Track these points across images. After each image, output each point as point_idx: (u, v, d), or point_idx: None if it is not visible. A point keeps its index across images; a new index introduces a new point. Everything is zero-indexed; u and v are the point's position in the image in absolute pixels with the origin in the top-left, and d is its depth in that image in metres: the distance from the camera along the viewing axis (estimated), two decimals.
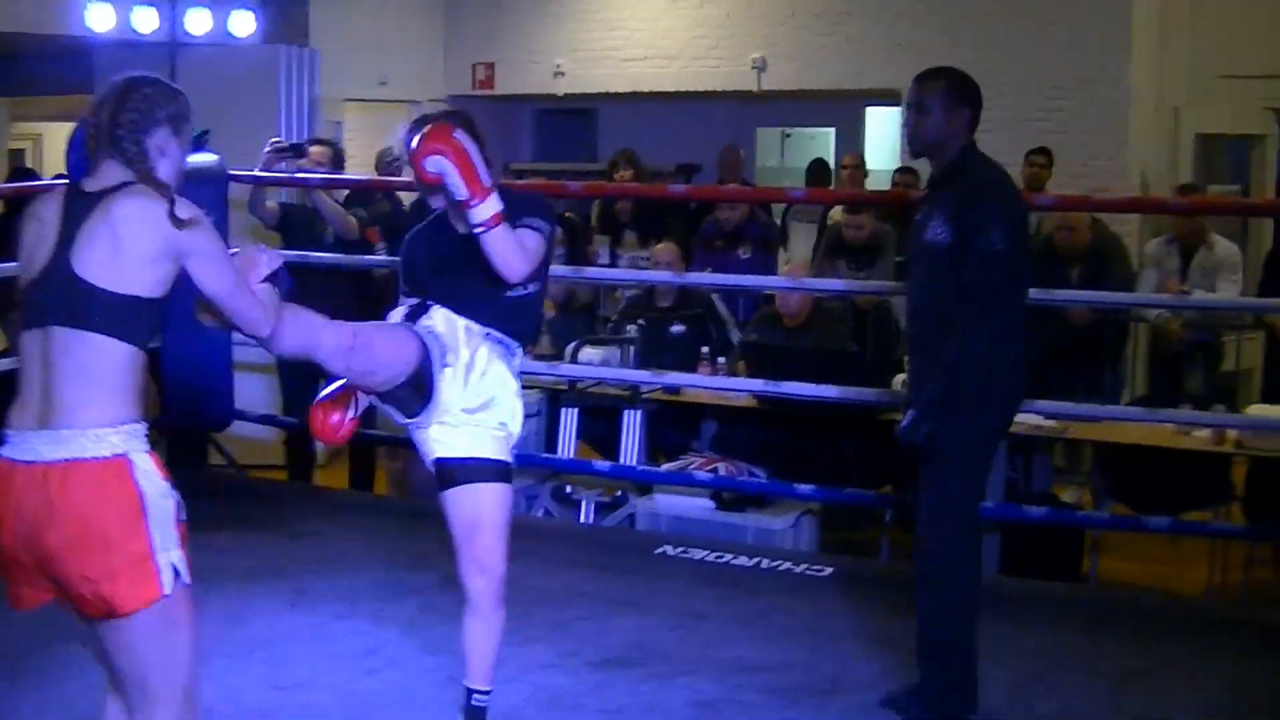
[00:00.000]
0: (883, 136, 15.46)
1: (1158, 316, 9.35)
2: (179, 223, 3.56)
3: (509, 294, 4.65)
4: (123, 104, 3.69)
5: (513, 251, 4.51)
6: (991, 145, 11.64)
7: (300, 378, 8.92)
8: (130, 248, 3.53)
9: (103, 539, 3.47)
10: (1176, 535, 7.96)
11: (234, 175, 8.25)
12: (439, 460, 4.74)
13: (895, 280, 9.45)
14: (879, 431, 8.28)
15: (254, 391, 9.30)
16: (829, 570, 7.09)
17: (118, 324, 3.54)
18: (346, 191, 9.36)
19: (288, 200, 9.37)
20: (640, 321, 9.11)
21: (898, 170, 12.19)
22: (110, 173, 3.65)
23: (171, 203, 3.59)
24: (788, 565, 7.19)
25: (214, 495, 8.36)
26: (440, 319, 4.68)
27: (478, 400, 4.67)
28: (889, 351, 9.61)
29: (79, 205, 3.61)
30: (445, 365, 4.60)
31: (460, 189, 4.41)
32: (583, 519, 8.26)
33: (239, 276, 3.77)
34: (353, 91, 13.58)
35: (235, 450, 9.35)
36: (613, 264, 10.71)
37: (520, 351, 4.83)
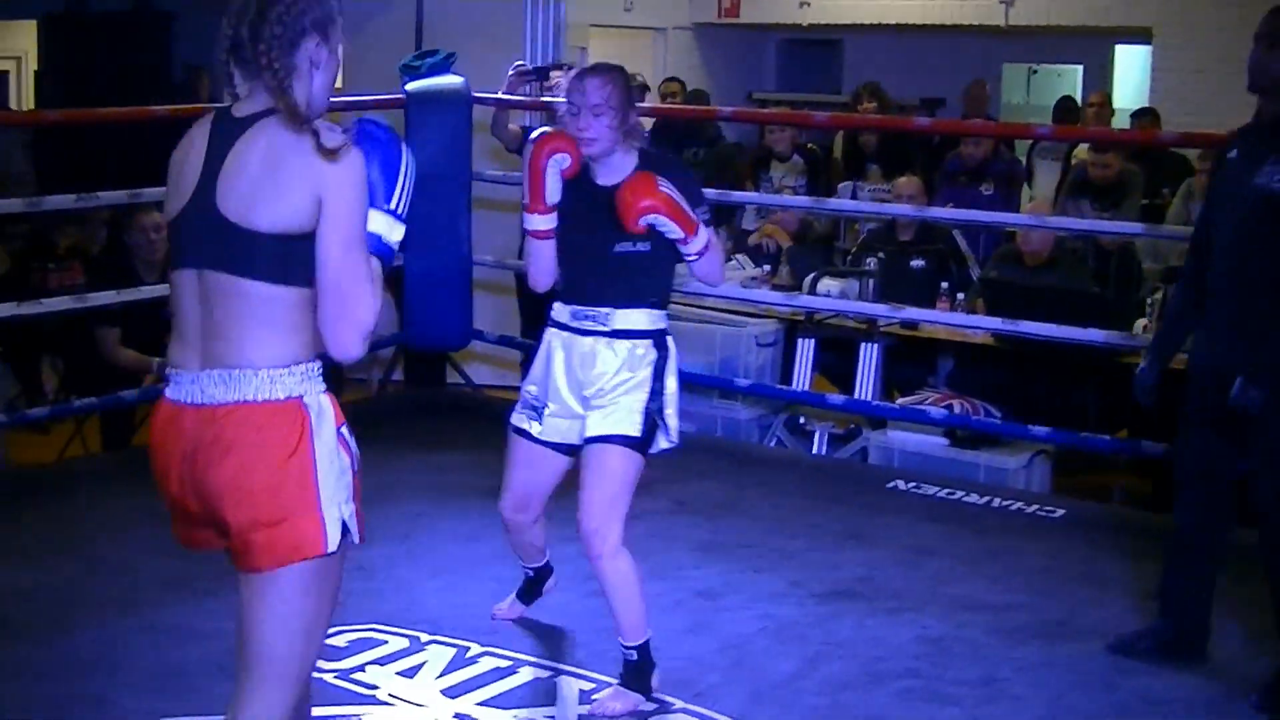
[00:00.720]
0: (1131, 75, 15.21)
1: None
2: (326, 153, 3.19)
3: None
4: (263, 16, 3.26)
5: (714, 266, 4.91)
6: (1236, 85, 11.46)
7: (539, 299, 9.01)
8: (278, 183, 3.19)
9: (267, 483, 3.22)
10: None
11: (478, 98, 8.31)
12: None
13: (1141, 221, 9.32)
14: (1118, 375, 8.17)
15: (493, 312, 9.39)
16: (1061, 512, 7.02)
17: (274, 267, 3.21)
18: None
19: (531, 124, 9.43)
20: (880, 255, 9.05)
21: (1136, 113, 11.97)
22: (256, 97, 3.28)
23: (316, 133, 3.22)
24: (1019, 505, 7.12)
25: (450, 414, 8.50)
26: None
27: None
28: (1132, 294, 9.45)
29: (224, 134, 3.29)
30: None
31: (676, 232, 4.68)
32: (815, 450, 8.26)
33: (370, 266, 3.30)
34: (598, 17, 13.62)
35: (473, 370, 9.45)
36: (854, 197, 10.64)
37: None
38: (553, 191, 4.78)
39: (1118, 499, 8.14)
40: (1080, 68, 16.11)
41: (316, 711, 4.65)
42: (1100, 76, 15.47)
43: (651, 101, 12.13)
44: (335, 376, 9.10)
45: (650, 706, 4.77)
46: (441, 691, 4.86)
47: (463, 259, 8.18)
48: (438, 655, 5.09)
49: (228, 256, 3.20)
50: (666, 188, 4.61)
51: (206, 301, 3.25)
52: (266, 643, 3.35)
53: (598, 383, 4.82)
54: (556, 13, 10.66)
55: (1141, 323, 7.87)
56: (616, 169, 4.81)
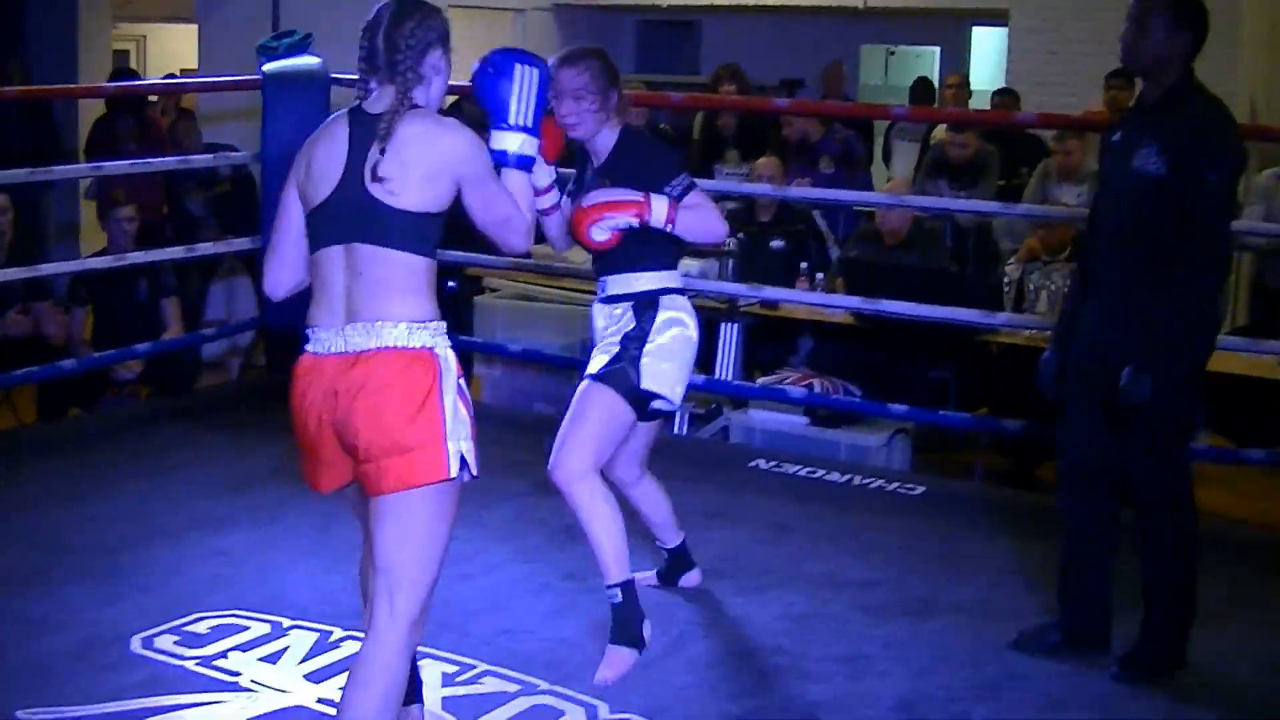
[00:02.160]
0: (988, 57, 15.35)
1: (1270, 243, 9.18)
2: (450, 139, 3.82)
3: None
4: (398, 27, 3.88)
5: (702, 224, 4.96)
6: (1090, 67, 11.67)
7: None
8: (415, 167, 3.75)
9: (401, 415, 3.69)
10: (1274, 468, 7.88)
11: (336, 78, 8.24)
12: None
13: (998, 201, 9.41)
14: (977, 353, 8.26)
15: None
16: (921, 490, 7.07)
17: (414, 239, 3.77)
18: (452, 98, 9.33)
19: None
20: (740, 235, 9.07)
21: (997, 92, 12.08)
22: (387, 96, 3.85)
23: (440, 123, 3.86)
24: (880, 483, 7.17)
25: None
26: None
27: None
28: (989, 273, 9.55)
29: (364, 128, 3.83)
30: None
31: (631, 220, 4.85)
32: (676, 430, 8.26)
33: (510, 199, 4.00)
34: None
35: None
36: (712, 178, 10.65)
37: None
38: (540, 177, 4.88)
39: (978, 476, 8.21)
40: (937, 49, 16.23)
41: (175, 699, 4.64)
42: (957, 58, 15.60)
43: None
44: (194, 362, 9.08)
45: (514, 689, 4.76)
46: (304, 677, 4.82)
47: None
48: (300, 640, 5.05)
49: (376, 231, 3.75)
50: (594, 199, 4.87)
51: (352, 269, 3.77)
52: (395, 556, 3.78)
53: (598, 342, 5.14)
54: None
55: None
56: (601, 148, 5.08)
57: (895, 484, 7.17)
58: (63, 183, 11.54)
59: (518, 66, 4.26)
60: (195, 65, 12.54)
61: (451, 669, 4.88)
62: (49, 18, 14.34)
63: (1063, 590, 5.33)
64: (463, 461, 3.78)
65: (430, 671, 4.84)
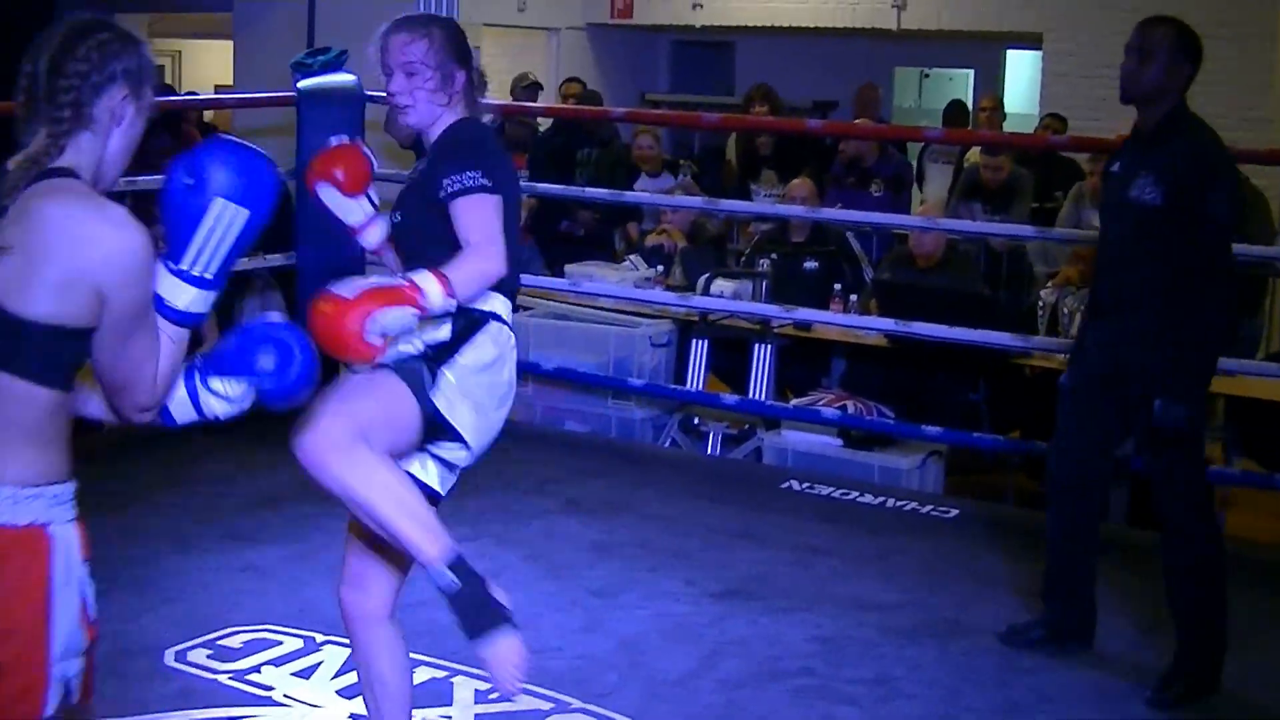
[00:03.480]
0: (1022, 80, 15.34)
1: None
2: (107, 237, 2.63)
3: None
4: (70, 51, 2.75)
5: (474, 275, 3.66)
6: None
7: None
8: (44, 263, 2.59)
9: None
10: None
11: (371, 96, 8.27)
12: None
13: (1031, 224, 9.41)
14: (1010, 375, 8.24)
15: None
16: (954, 512, 7.06)
17: (33, 361, 2.65)
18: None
19: None
20: (773, 256, 9.08)
21: (1046, 115, 12.06)
22: (38, 141, 2.74)
23: (97, 206, 2.68)
24: (913, 505, 7.16)
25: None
26: None
27: None
28: (1022, 296, 9.54)
29: None
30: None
31: (411, 318, 3.48)
32: (709, 451, 8.28)
33: (151, 358, 2.80)
34: (492, 17, 13.59)
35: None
36: (748, 199, 10.67)
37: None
38: (345, 213, 4.10)
39: (1010, 499, 8.19)
40: (971, 72, 16.23)
41: (208, 713, 4.65)
42: (991, 80, 15.59)
43: (549, 102, 12.15)
44: None
45: (547, 706, 4.76)
46: (337, 692, 4.84)
47: (355, 257, 8.12)
48: (333, 656, 5.06)
49: None
50: (343, 292, 3.46)
51: None
52: None
53: None
54: (449, 11, 10.63)
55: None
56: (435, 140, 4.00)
57: (928, 506, 7.16)
58: None
59: (216, 201, 2.81)
60: (230, 81, 12.57)
61: (484, 686, 4.87)
62: None
63: (1049, 592, 5.47)
64: (65, 690, 2.73)
65: (463, 689, 4.86)
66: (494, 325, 3.78)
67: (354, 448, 3.55)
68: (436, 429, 3.68)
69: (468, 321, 3.71)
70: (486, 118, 4.08)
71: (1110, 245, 5.19)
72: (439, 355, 3.69)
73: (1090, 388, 5.17)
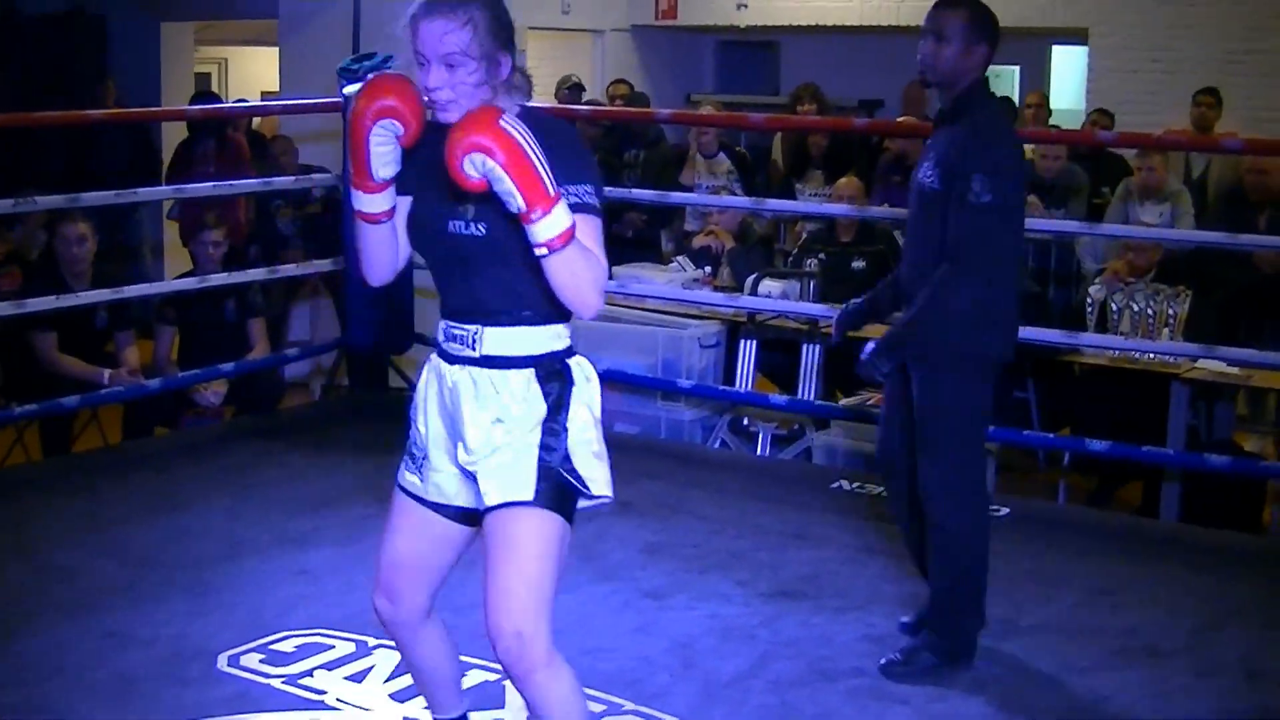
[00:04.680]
0: (1069, 76, 15.27)
1: None
2: None
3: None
4: None
5: (583, 275, 3.31)
6: (1170, 85, 11.63)
7: None
8: None
9: None
10: None
11: None
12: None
13: (1086, 220, 9.41)
14: (1058, 373, 8.22)
15: (434, 314, 9.35)
16: (1005, 511, 7.03)
17: None
18: None
19: None
20: (820, 256, 9.07)
21: (1094, 111, 12.02)
22: None
23: None
24: None
25: (393, 417, 8.42)
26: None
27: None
28: (1071, 292, 9.52)
29: None
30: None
31: (515, 197, 3.17)
32: (759, 451, 8.27)
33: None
34: (536, 19, 13.58)
35: (416, 374, 9.42)
36: (794, 198, 10.66)
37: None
38: (383, 163, 3.48)
39: (1062, 497, 8.16)
40: (1017, 68, 16.15)
41: (262, 718, 4.67)
42: (1037, 76, 15.52)
43: (593, 103, 12.14)
44: (277, 382, 9.14)
45: (600, 708, 4.76)
46: (390, 696, 4.84)
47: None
48: (385, 659, 5.06)
49: None
50: (515, 130, 3.16)
51: None
52: None
53: (471, 430, 3.58)
54: None
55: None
56: None
57: None
58: (150, 203, 11.67)
59: None
60: (277, 88, 12.62)
61: None
62: (132, 42, 14.51)
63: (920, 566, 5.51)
64: None
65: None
66: (575, 366, 3.62)
67: (553, 663, 3.49)
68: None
69: (559, 385, 3.55)
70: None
71: (907, 228, 5.31)
72: (555, 444, 3.51)
73: (894, 371, 5.24)
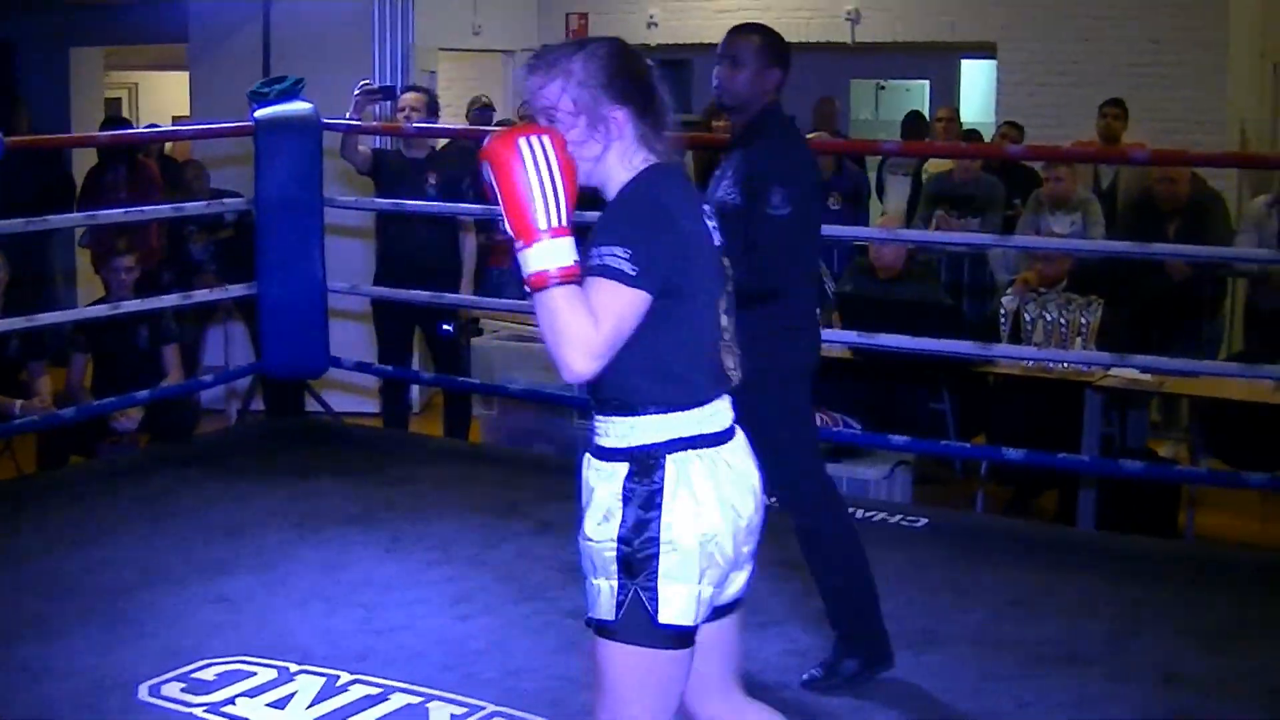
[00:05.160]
0: (978, 90, 15.38)
1: (1263, 269, 9.19)
2: None
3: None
4: None
5: (557, 325, 3.07)
6: (1079, 98, 11.72)
7: (397, 323, 8.98)
8: None
9: None
10: (1274, 491, 7.89)
11: (328, 124, 8.27)
12: None
13: (1000, 231, 9.50)
14: (973, 384, 8.27)
15: (350, 339, 9.34)
16: (923, 521, 7.07)
17: None
18: (445, 141, 9.39)
19: (382, 146, 9.41)
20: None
21: (1004, 124, 12.10)
22: None
23: None
24: (882, 516, 7.17)
25: (310, 442, 8.42)
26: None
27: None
28: (985, 303, 9.58)
29: None
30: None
31: (506, 221, 3.08)
32: None
33: None
34: (447, 41, 13.55)
35: (331, 398, 9.40)
36: None
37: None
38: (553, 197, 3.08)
39: (979, 507, 8.21)
40: (927, 83, 16.27)
41: None
42: (947, 91, 15.63)
43: (504, 123, 12.12)
44: (193, 408, 9.09)
45: (461, 710, 4.76)
46: None
47: (317, 285, 8.14)
48: (308, 685, 5.04)
49: None
50: (532, 151, 3.05)
51: None
52: None
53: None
54: (405, 37, 10.66)
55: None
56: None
57: (897, 516, 7.16)
58: (61, 231, 11.58)
59: None
60: (188, 112, 12.56)
61: (460, 710, 4.87)
62: (42, 67, 14.40)
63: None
64: None
65: (438, 713, 4.85)
66: (670, 464, 3.17)
67: None
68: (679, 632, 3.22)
69: (641, 484, 3.18)
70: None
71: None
72: (627, 558, 3.18)
73: None
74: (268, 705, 4.92)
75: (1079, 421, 7.57)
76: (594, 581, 3.27)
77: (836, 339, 7.98)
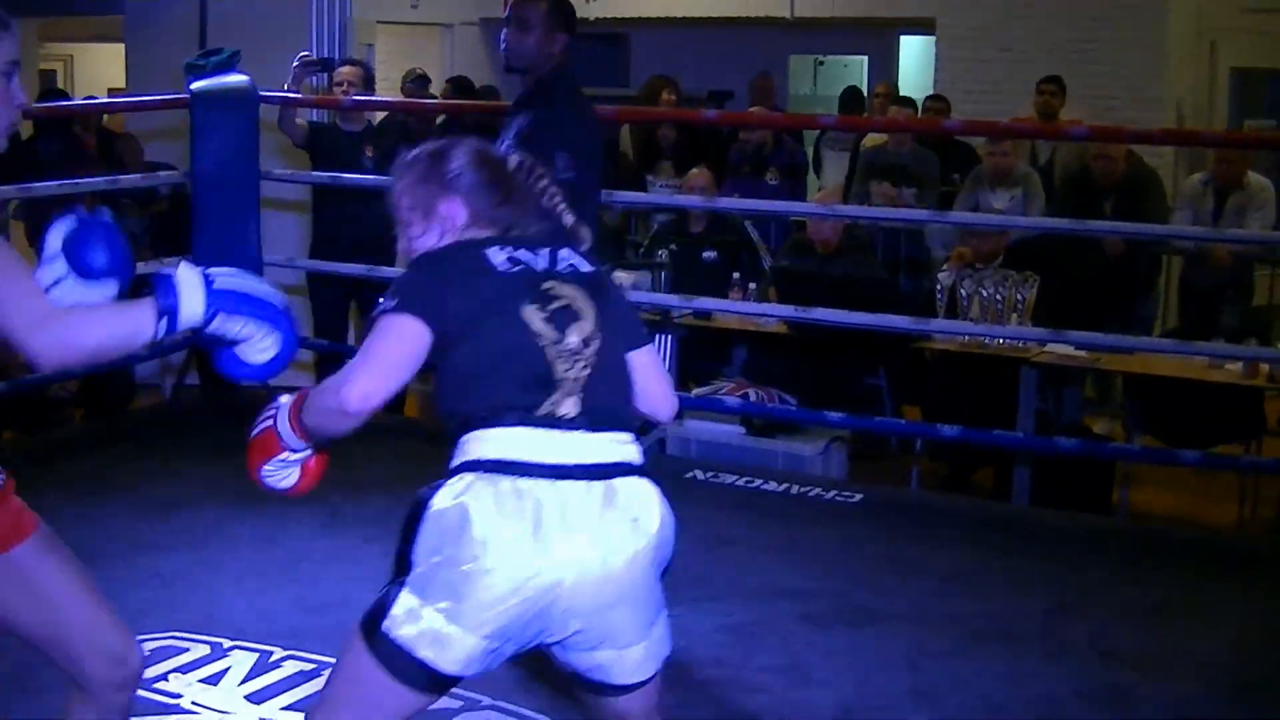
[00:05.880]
0: (916, 65, 15.41)
1: (1198, 246, 9.24)
2: None
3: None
4: None
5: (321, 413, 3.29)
6: (1017, 74, 11.78)
7: (333, 297, 8.94)
8: None
9: None
10: (1208, 469, 7.96)
11: (264, 96, 8.22)
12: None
13: (937, 207, 9.53)
14: (909, 359, 8.29)
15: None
16: (858, 497, 7.08)
17: None
18: (381, 115, 9.34)
19: (318, 120, 9.36)
20: (672, 247, 9.10)
21: (929, 98, 12.12)
22: None
23: None
24: (817, 491, 7.18)
25: (245, 418, 8.36)
26: None
27: None
28: (921, 279, 9.60)
29: None
30: None
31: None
32: None
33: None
34: (385, 14, 13.53)
35: None
36: (646, 190, 10.70)
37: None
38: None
39: (915, 483, 8.24)
40: (865, 59, 16.29)
41: None
42: (886, 67, 15.65)
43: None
44: (128, 382, 9.03)
45: (456, 704, 4.75)
46: (245, 698, 4.79)
47: (252, 259, 8.09)
48: (241, 661, 5.02)
49: None
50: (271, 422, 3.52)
51: None
52: None
53: None
54: (342, 9, 10.60)
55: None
56: None
57: (833, 492, 7.18)
58: None
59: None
60: (123, 85, 12.47)
61: None
62: None
63: None
64: None
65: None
66: (458, 484, 2.99)
67: None
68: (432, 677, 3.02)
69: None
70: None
71: None
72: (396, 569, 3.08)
73: None
74: (200, 681, 4.89)
75: (1014, 398, 7.59)
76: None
77: (773, 313, 8.01)
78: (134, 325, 3.00)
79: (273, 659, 5.05)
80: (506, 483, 2.92)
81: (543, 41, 5.39)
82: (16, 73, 3.02)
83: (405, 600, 2.99)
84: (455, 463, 3.02)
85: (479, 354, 3.04)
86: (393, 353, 3.06)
